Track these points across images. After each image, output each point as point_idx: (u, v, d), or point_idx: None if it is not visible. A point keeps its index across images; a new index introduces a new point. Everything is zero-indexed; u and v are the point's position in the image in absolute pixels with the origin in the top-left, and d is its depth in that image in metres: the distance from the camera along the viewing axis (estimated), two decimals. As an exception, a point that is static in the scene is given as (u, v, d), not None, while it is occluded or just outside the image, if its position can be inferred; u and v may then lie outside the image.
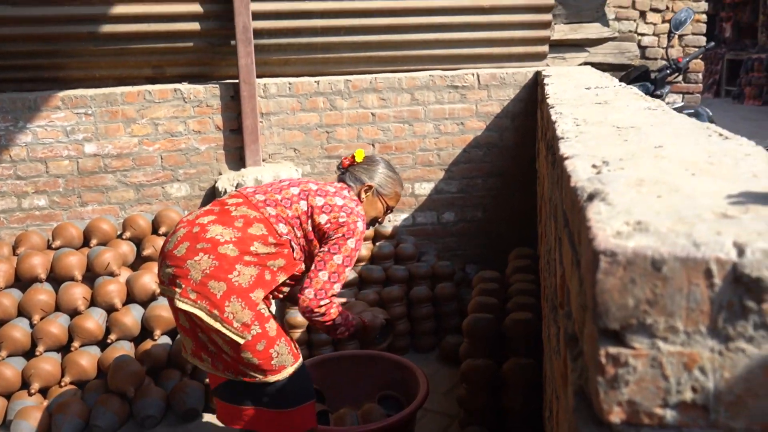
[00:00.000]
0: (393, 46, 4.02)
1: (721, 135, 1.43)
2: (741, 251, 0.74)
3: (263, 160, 3.87)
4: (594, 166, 1.23)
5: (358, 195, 2.44)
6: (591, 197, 1.00)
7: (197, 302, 2.04)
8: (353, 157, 2.51)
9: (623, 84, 2.76)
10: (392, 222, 4.04)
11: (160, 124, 3.76)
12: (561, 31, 4.35)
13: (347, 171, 2.50)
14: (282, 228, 2.20)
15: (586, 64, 4.51)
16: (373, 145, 3.98)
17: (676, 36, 5.02)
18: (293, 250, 2.24)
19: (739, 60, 13.21)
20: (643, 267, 0.76)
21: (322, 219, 2.23)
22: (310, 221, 2.25)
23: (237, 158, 3.87)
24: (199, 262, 2.06)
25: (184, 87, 3.78)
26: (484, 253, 4.16)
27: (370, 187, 2.45)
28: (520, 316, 2.97)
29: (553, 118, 2.01)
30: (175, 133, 3.79)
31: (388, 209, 2.55)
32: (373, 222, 2.55)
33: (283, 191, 2.30)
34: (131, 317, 3.23)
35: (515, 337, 2.91)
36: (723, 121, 9.63)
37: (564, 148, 1.46)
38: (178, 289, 2.07)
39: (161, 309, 3.21)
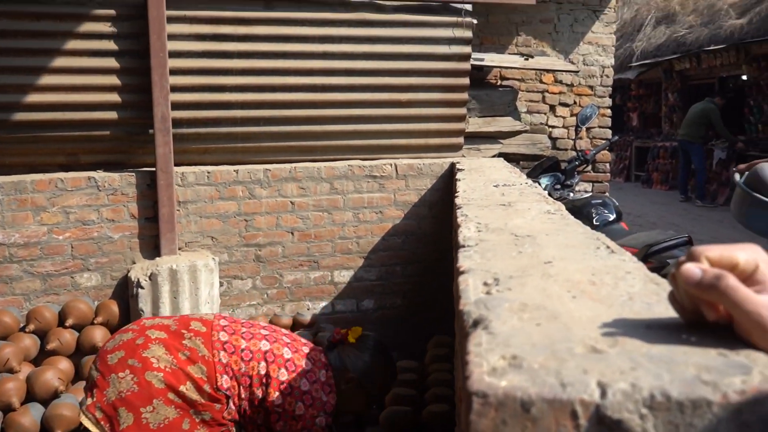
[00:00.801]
0: (312, 137, 4.09)
1: (608, 248, 1.50)
2: (603, 392, 0.77)
3: (179, 249, 3.81)
4: (485, 284, 1.26)
5: (339, 382, 2.16)
6: (475, 324, 1.02)
7: (100, 422, 1.89)
8: (347, 334, 2.24)
9: (529, 181, 2.88)
10: (311, 310, 4.01)
11: (71, 212, 3.66)
12: (475, 124, 4.55)
13: (335, 348, 2.23)
14: (224, 381, 1.98)
15: (500, 154, 4.70)
16: (292, 233, 3.98)
17: (584, 129, 5.32)
18: (226, 407, 2.00)
19: (646, 147, 14.09)
20: (514, 408, 0.78)
21: (276, 399, 1.97)
22: (261, 389, 2.00)
23: (152, 247, 3.78)
24: (121, 380, 1.91)
25: (99, 175, 3.71)
26: (404, 340, 4.15)
27: (353, 378, 2.15)
28: (438, 408, 2.96)
29: (459, 220, 2.07)
30: (87, 221, 3.69)
31: (373, 402, 2.25)
32: (350, 415, 2.22)
33: (253, 340, 2.05)
34: (29, 418, 3.03)
35: (433, 430, 2.89)
36: (633, 205, 10.13)
37: (462, 260, 1.50)
38: (88, 400, 1.93)
39: (63, 408, 3.03)
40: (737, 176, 4.48)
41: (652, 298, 1.10)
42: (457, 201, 2.40)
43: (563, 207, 2.11)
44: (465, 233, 1.80)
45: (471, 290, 1.21)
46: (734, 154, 10.80)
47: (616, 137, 5.55)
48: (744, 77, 12.21)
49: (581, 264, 1.35)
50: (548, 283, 1.22)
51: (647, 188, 13.26)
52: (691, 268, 0.69)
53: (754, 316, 0.65)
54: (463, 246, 1.66)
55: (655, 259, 3.43)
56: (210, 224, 3.88)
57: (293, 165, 4.00)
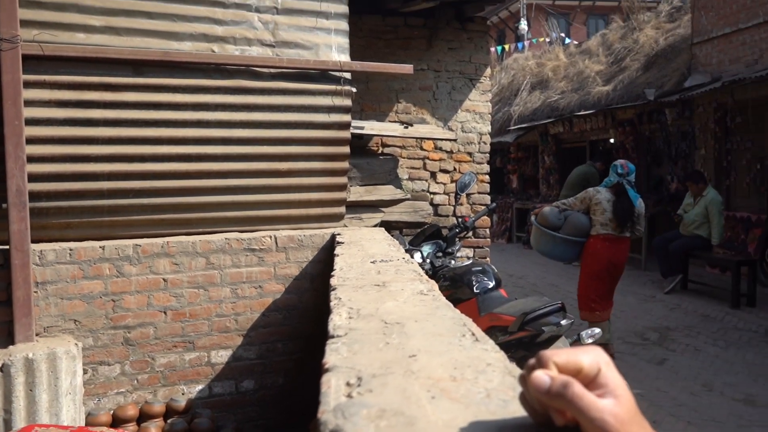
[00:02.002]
0: (187, 209, 3.92)
1: (473, 335, 1.47)
2: None
3: (37, 335, 3.47)
4: (348, 384, 1.21)
5: None
6: (330, 436, 0.96)
7: None
8: None
9: (406, 256, 2.85)
10: (186, 395, 3.75)
11: None
12: (357, 193, 4.53)
13: None
14: None
15: (383, 222, 4.70)
16: (165, 313, 3.74)
17: (464, 195, 5.44)
18: None
19: (526, 209, 14.66)
20: None
21: None
22: None
23: (5, 334, 3.43)
24: None
25: (-58, 256, 3.36)
26: (288, 421, 3.96)
27: None
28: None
29: (332, 305, 2.00)
30: (-75, 308, 3.31)
31: None
32: None
33: None
34: None
35: None
36: (515, 266, 10.46)
37: (329, 354, 1.43)
38: None
39: None
40: (533, 218, 6.23)
41: (509, 393, 1.09)
42: (333, 281, 2.33)
43: (436, 287, 2.08)
44: (336, 321, 1.74)
45: (332, 393, 1.17)
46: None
47: (494, 204, 5.73)
48: (612, 140, 13.09)
49: (445, 356, 1.31)
50: (410, 382, 1.17)
51: (528, 249, 13.71)
52: (540, 376, 0.71)
53: (598, 423, 0.68)
54: (332, 336, 1.60)
55: (531, 326, 3.50)
56: (72, 306, 3.57)
57: (166, 239, 3.79)
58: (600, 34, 16.09)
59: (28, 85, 3.49)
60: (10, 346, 3.38)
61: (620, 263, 6.00)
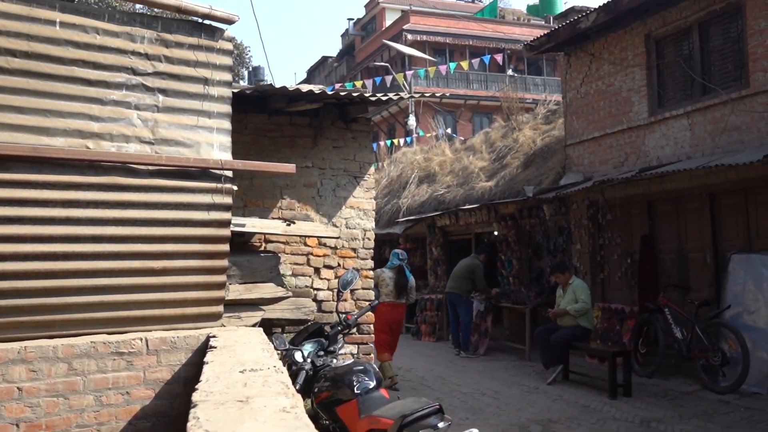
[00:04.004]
0: (50, 310, 3.69)
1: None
2: None
3: None
4: None
5: None
6: None
7: None
8: None
9: (278, 363, 2.78)
10: None
11: None
12: (236, 291, 4.43)
13: None
14: None
15: (265, 320, 4.60)
16: (17, 426, 3.43)
17: (347, 292, 5.45)
18: None
19: (415, 300, 14.72)
20: None
21: None
22: None
23: None
24: None
25: None
26: None
27: None
28: None
29: (189, 425, 1.91)
30: None
31: None
32: None
33: None
34: None
35: None
36: (404, 358, 10.39)
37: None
38: None
39: None
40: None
41: None
42: (195, 396, 2.24)
43: (300, 402, 2.04)
44: (185, 447, 1.65)
45: None
46: (491, 306, 11.74)
47: (377, 301, 5.76)
48: (495, 233, 13.62)
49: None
50: None
51: (417, 340, 13.75)
52: None
53: None
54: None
55: (409, 429, 3.47)
56: None
57: (23, 344, 3.52)
58: (483, 132, 16.98)
59: None
60: None
61: (399, 320, 8.89)
